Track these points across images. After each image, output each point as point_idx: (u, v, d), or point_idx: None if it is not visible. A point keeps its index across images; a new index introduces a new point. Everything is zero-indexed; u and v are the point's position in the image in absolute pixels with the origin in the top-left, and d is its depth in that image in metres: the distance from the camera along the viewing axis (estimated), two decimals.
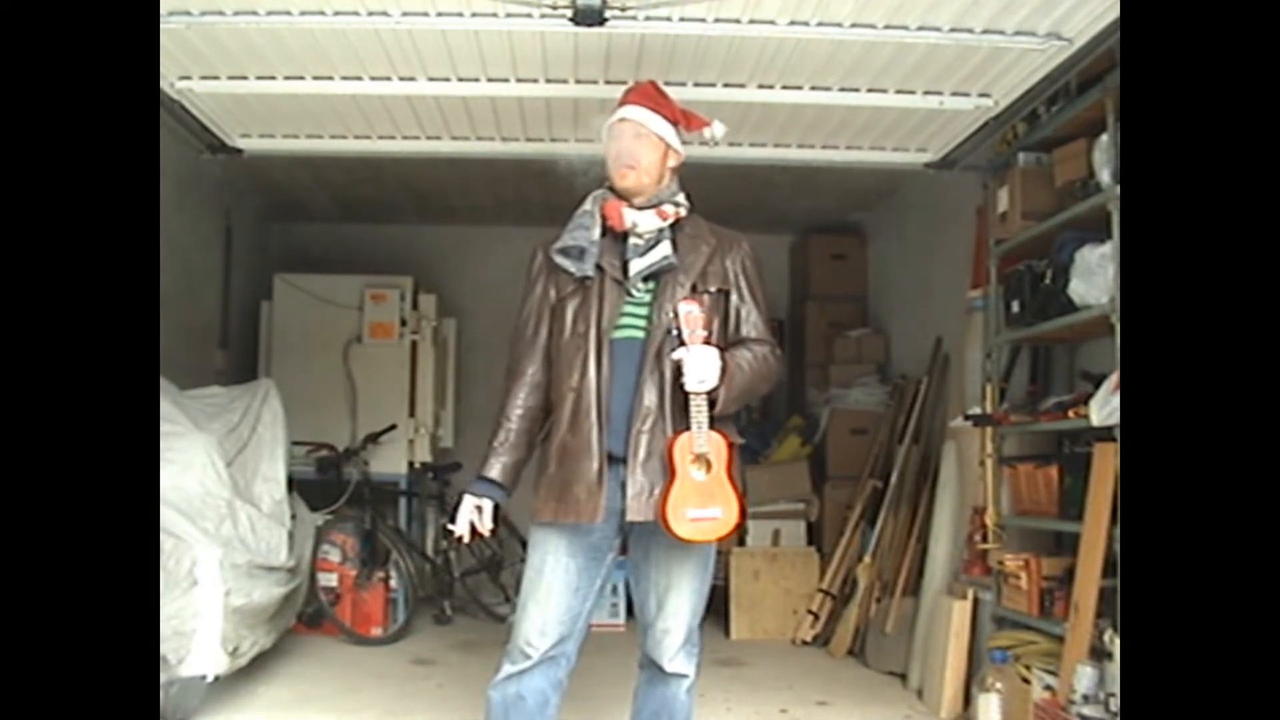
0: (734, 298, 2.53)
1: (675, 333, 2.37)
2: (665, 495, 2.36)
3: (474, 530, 2.53)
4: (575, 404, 2.44)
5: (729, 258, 2.54)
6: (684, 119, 2.62)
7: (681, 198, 2.58)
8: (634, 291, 2.47)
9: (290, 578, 4.40)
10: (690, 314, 2.37)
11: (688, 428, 2.37)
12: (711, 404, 2.37)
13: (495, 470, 2.53)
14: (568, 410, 2.45)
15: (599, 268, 2.48)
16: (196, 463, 3.97)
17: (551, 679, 2.48)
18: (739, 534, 5.62)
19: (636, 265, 2.47)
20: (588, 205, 2.57)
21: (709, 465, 2.37)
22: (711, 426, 2.38)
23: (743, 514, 2.42)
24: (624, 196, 2.53)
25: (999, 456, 4.01)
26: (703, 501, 2.36)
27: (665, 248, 2.48)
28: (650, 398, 2.42)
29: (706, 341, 2.37)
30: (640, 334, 2.46)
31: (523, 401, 2.55)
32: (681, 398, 2.38)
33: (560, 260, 2.51)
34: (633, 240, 2.49)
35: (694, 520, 2.36)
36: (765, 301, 2.59)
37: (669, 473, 2.37)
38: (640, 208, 2.51)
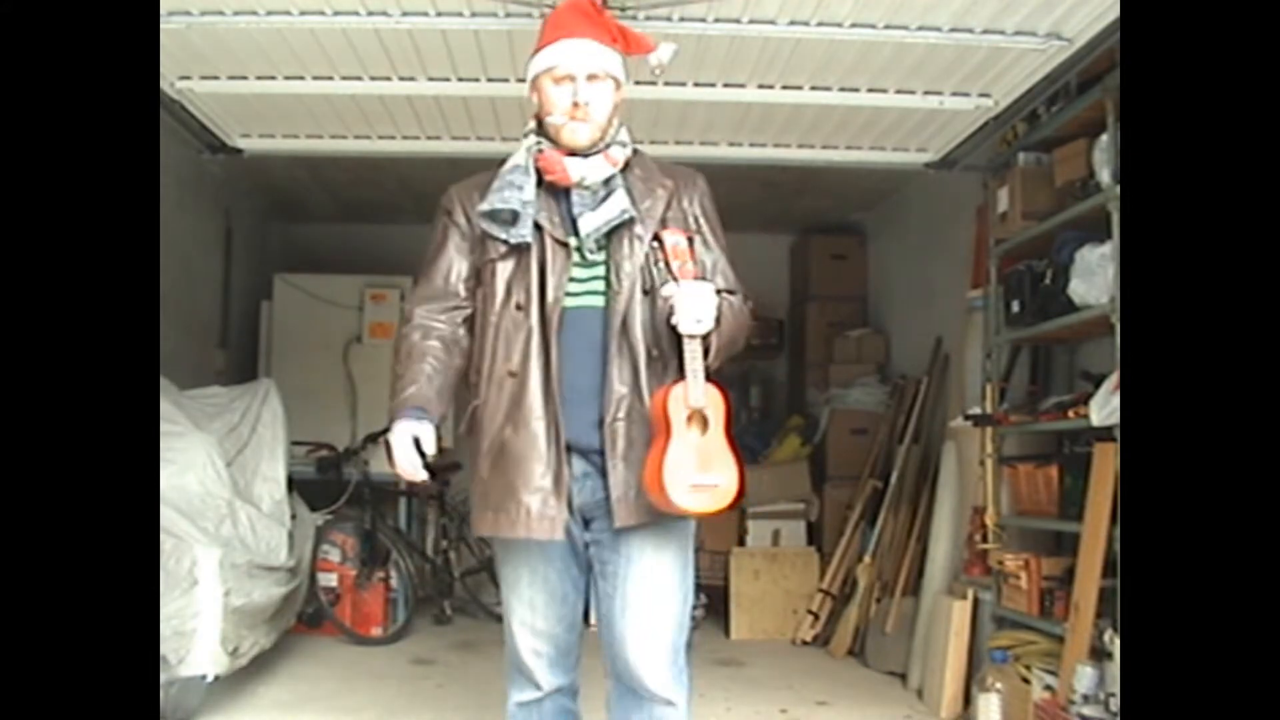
0: (698, 245, 2.14)
1: (662, 266, 2.04)
2: (659, 460, 1.95)
3: (431, 471, 2.08)
4: (516, 393, 2.05)
5: (686, 199, 2.18)
6: (622, 39, 2.18)
7: (625, 135, 2.18)
8: (587, 253, 2.10)
9: (290, 578, 4.40)
10: (678, 245, 2.02)
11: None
12: (705, 351, 2.01)
13: (412, 399, 2.07)
14: (505, 400, 2.07)
15: (537, 227, 2.09)
16: (196, 463, 3.98)
17: (567, 699, 2.27)
18: (739, 534, 5.66)
19: (591, 222, 2.08)
20: (519, 158, 2.16)
21: (705, 423, 1.99)
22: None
23: (742, 481, 2.04)
24: (565, 149, 2.12)
25: (999, 456, 4.01)
26: (703, 466, 1.96)
27: (621, 199, 2.09)
28: (622, 378, 2.06)
29: (698, 277, 2.04)
30: (598, 300, 2.09)
31: (435, 348, 2.12)
32: (659, 371, 2.07)
33: (488, 226, 2.12)
34: (578, 194, 2.11)
35: (696, 488, 1.95)
36: (726, 245, 2.23)
37: (660, 432, 1.99)
38: (585, 155, 2.11)
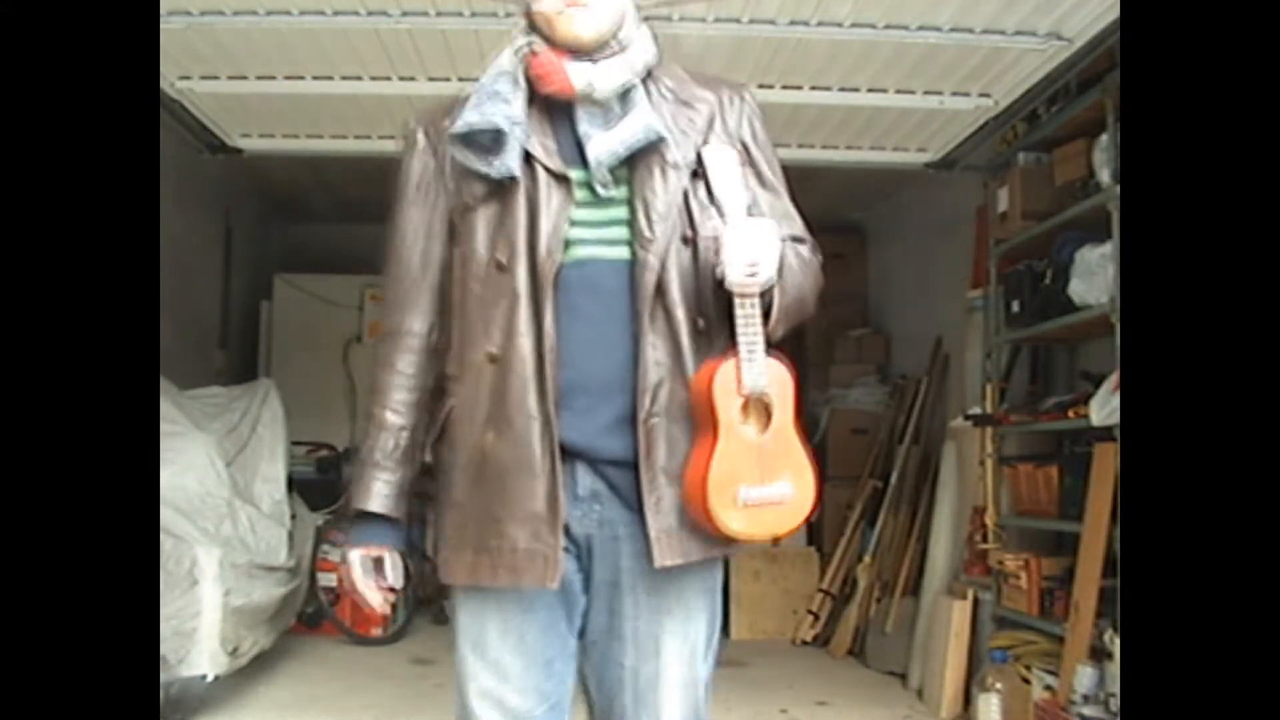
0: (749, 179, 1.58)
1: (706, 195, 1.51)
2: (704, 468, 1.43)
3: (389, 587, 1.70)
4: (498, 384, 1.48)
5: (732, 118, 1.59)
6: None
7: (649, 38, 1.58)
8: (599, 189, 1.50)
9: (290, 578, 4.41)
10: (726, 163, 1.49)
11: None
12: (765, 315, 1.46)
13: (379, 498, 1.60)
14: (484, 394, 1.49)
15: (527, 156, 1.50)
16: (196, 463, 3.98)
17: None
18: None
19: (603, 144, 1.49)
20: (505, 62, 1.54)
21: (768, 414, 1.45)
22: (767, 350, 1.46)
23: (820, 492, 1.54)
24: (565, 47, 1.52)
25: (999, 456, 4.02)
26: (764, 474, 1.44)
27: (646, 113, 1.51)
28: (658, 358, 1.48)
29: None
30: (619, 252, 1.51)
31: (411, 381, 1.58)
32: (705, 349, 1.50)
33: (462, 157, 1.51)
34: (585, 110, 1.51)
35: (753, 506, 1.43)
36: (785, 180, 1.65)
37: (705, 427, 1.45)
38: (595, 59, 1.51)
